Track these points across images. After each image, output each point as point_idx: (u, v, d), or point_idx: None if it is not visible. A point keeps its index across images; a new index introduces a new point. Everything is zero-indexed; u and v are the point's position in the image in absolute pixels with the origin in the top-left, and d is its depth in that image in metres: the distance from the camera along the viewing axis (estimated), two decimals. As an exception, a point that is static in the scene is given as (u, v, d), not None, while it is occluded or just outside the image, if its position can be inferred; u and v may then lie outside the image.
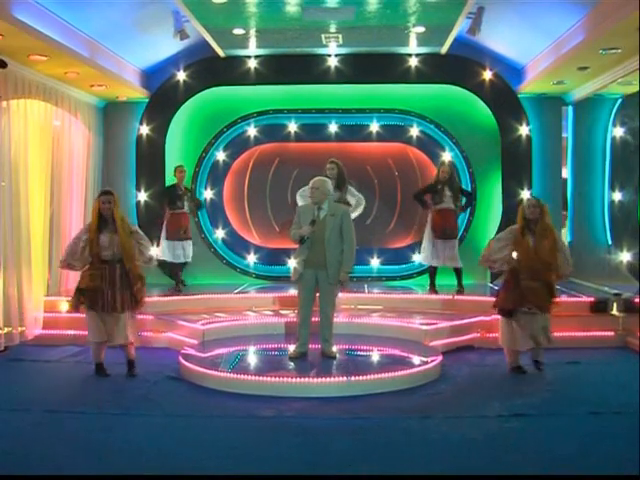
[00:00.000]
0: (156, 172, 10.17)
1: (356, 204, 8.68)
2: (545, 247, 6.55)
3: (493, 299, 7.02)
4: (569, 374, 6.75)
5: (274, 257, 10.35)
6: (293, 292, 8.54)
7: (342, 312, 8.24)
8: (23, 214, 8.03)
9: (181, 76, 10.11)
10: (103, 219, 6.58)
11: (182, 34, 8.79)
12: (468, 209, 9.79)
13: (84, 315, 6.71)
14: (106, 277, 6.53)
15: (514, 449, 4.72)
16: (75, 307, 6.70)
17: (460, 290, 9.01)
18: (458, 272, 9.09)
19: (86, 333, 6.70)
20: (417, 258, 10.08)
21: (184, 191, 9.57)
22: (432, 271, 9.21)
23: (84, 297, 6.60)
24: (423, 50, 9.80)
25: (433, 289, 9.15)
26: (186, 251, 9.57)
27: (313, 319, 6.91)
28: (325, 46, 9.56)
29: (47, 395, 6.11)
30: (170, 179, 9.82)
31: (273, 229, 10.52)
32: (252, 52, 9.87)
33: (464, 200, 9.25)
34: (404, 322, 8.01)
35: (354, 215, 8.23)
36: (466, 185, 10.02)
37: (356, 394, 6.02)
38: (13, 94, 7.69)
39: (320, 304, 6.86)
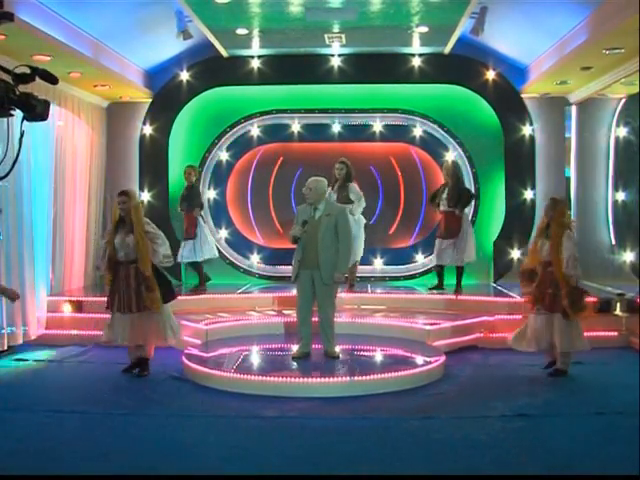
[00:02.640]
0: (159, 172, 10.18)
1: (357, 202, 8.85)
2: (550, 248, 6.55)
3: (496, 299, 6.99)
4: (572, 374, 6.73)
5: (277, 257, 10.32)
6: (295, 292, 8.53)
7: (345, 312, 8.24)
8: (26, 214, 8.05)
9: (184, 76, 10.12)
10: (122, 220, 6.62)
11: (185, 34, 8.79)
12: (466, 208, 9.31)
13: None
14: (120, 278, 6.56)
15: (517, 449, 4.72)
16: (107, 308, 6.75)
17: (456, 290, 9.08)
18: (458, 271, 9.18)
19: (89, 333, 6.71)
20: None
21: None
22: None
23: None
24: (426, 50, 9.80)
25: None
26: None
27: (313, 319, 6.89)
28: (328, 46, 9.55)
29: (50, 395, 6.12)
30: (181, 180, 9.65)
31: (276, 229, 10.52)
32: (255, 52, 9.87)
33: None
34: (407, 322, 8.00)
35: (358, 211, 8.85)
36: (468, 184, 9.97)
37: (359, 394, 6.01)
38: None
39: (318, 305, 6.81)
